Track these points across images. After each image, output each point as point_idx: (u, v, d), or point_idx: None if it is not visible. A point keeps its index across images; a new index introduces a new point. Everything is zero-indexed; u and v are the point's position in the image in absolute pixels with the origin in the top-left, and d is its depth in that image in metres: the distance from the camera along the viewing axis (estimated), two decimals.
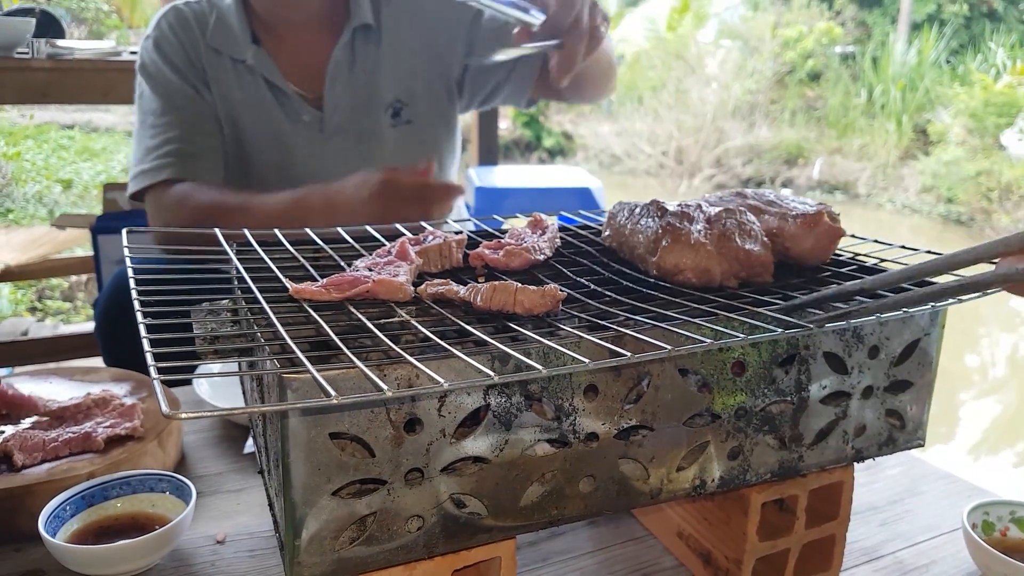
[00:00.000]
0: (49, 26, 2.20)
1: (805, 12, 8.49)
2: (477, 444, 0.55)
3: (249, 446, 0.97)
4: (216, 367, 1.00)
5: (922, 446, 0.74)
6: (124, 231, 0.71)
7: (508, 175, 3.39)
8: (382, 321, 0.56)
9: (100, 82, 2.02)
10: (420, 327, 0.54)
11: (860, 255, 0.77)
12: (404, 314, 0.58)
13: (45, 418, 0.89)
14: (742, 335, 0.55)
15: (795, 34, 8.28)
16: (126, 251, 0.66)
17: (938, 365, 0.72)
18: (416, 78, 1.39)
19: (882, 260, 0.75)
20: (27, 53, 1.99)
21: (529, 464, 0.57)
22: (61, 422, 0.88)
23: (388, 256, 0.68)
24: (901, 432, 0.73)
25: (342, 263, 0.70)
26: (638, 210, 0.75)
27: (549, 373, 0.48)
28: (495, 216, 0.92)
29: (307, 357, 0.46)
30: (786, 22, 8.44)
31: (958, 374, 3.67)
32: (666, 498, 0.63)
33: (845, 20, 8.63)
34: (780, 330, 0.56)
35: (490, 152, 3.15)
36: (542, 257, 0.74)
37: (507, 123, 8.06)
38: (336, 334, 0.51)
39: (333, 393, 0.42)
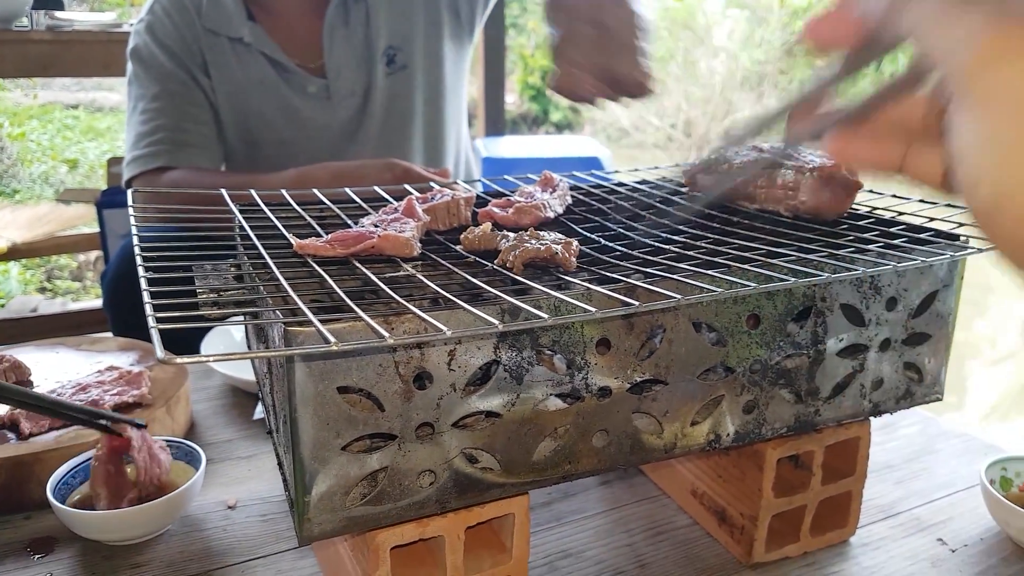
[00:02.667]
0: None
1: None
2: (488, 399, 0.54)
3: (259, 412, 0.96)
4: (219, 322, 0.99)
5: (940, 399, 0.73)
6: (130, 191, 0.70)
7: (516, 145, 3.35)
8: (387, 275, 0.55)
9: (102, 55, 2.00)
10: (427, 281, 0.53)
11: (878, 209, 0.76)
12: (410, 268, 0.57)
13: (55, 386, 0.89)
14: (754, 284, 0.54)
15: (804, 3, 8.15)
16: (131, 211, 0.65)
17: (956, 319, 0.71)
18: (409, 19, 1.36)
19: (900, 213, 0.74)
20: (26, 25, 1.97)
21: (541, 419, 0.56)
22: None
23: (395, 213, 0.66)
24: (919, 385, 0.71)
25: (348, 221, 0.69)
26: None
27: (554, 321, 0.47)
28: (506, 177, 0.90)
29: (311, 310, 0.45)
30: None
31: (968, 343, 3.64)
32: (680, 453, 0.62)
33: None
34: (793, 279, 0.55)
35: (496, 124, 3.12)
36: (552, 215, 0.73)
37: (514, 97, 7.98)
38: (341, 288, 0.50)
39: (332, 339, 0.41)
